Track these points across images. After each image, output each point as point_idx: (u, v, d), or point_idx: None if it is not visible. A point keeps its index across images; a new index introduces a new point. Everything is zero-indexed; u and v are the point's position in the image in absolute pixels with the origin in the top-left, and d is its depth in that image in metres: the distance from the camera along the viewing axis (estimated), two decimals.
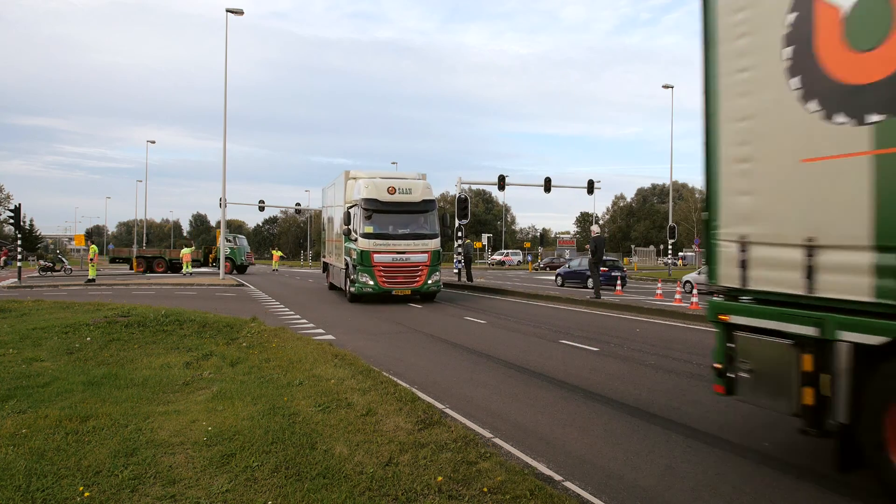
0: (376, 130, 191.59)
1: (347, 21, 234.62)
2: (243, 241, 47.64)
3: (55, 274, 37.80)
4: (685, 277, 26.38)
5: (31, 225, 79.20)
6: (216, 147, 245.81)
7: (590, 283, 26.07)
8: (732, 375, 5.22)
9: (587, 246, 27.95)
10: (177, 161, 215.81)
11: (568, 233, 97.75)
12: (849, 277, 4.31)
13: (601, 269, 26.23)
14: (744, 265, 5.11)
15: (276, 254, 53.51)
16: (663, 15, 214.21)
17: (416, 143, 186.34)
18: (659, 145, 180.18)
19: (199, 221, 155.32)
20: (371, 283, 18.44)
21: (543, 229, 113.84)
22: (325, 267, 27.40)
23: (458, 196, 31.06)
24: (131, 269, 43.63)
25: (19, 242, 31.14)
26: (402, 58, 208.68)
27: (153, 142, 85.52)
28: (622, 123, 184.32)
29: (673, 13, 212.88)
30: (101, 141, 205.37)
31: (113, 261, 53.95)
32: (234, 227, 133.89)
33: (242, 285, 28.75)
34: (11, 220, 35.42)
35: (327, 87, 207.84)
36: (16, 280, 28.77)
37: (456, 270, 31.33)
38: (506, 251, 73.07)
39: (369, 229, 18.19)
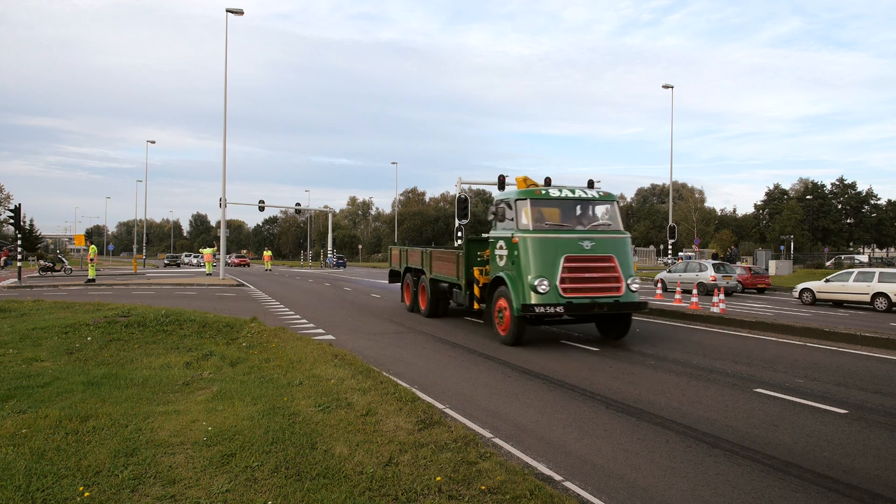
0: (378, 131, 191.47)
1: (350, 22, 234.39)
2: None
3: (55, 274, 37.80)
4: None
5: (32, 225, 79.15)
6: (218, 147, 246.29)
7: None
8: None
9: None
10: (178, 161, 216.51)
11: None
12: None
13: None
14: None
15: (267, 254, 54.23)
16: (665, 16, 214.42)
17: (418, 143, 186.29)
18: (659, 145, 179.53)
19: (199, 221, 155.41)
20: None
21: None
22: None
23: (458, 196, 31.07)
24: None
25: (19, 242, 31.15)
26: (404, 59, 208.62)
27: (153, 142, 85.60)
28: (623, 124, 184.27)
29: (674, 14, 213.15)
30: (102, 141, 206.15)
31: None
32: (234, 227, 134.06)
33: (242, 285, 28.75)
34: (11, 220, 35.44)
35: (329, 88, 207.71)
36: (16, 280, 28.77)
37: None
38: None
39: None
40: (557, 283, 10.37)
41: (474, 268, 12.71)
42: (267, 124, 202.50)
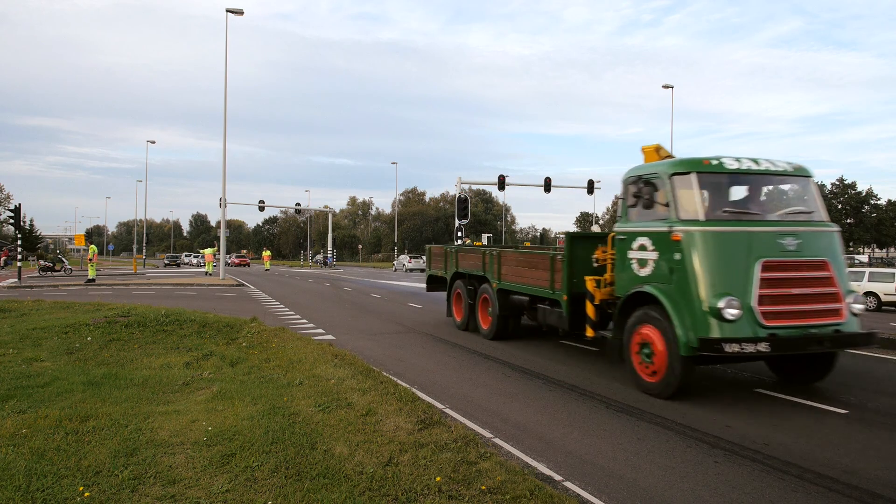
0: (378, 131, 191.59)
1: (351, 22, 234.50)
2: None
3: (55, 274, 37.82)
4: None
5: (32, 225, 79.20)
6: (218, 147, 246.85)
7: None
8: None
9: None
10: (178, 161, 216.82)
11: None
12: None
13: None
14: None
15: (266, 254, 54.87)
16: (665, 16, 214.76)
17: (418, 143, 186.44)
18: (663, 143, 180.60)
19: (199, 221, 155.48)
20: None
21: (543, 229, 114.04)
22: None
23: (457, 196, 31.07)
24: None
25: (19, 242, 31.14)
26: (404, 59, 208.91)
27: (153, 142, 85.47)
28: (623, 124, 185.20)
29: (674, 14, 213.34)
30: (103, 141, 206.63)
31: None
32: (234, 227, 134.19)
33: (242, 285, 28.75)
34: (11, 220, 35.45)
35: (329, 88, 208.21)
36: (16, 280, 28.78)
37: None
38: None
39: None
40: (754, 304, 6.80)
41: (587, 277, 8.82)
42: (268, 124, 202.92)
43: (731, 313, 6.70)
